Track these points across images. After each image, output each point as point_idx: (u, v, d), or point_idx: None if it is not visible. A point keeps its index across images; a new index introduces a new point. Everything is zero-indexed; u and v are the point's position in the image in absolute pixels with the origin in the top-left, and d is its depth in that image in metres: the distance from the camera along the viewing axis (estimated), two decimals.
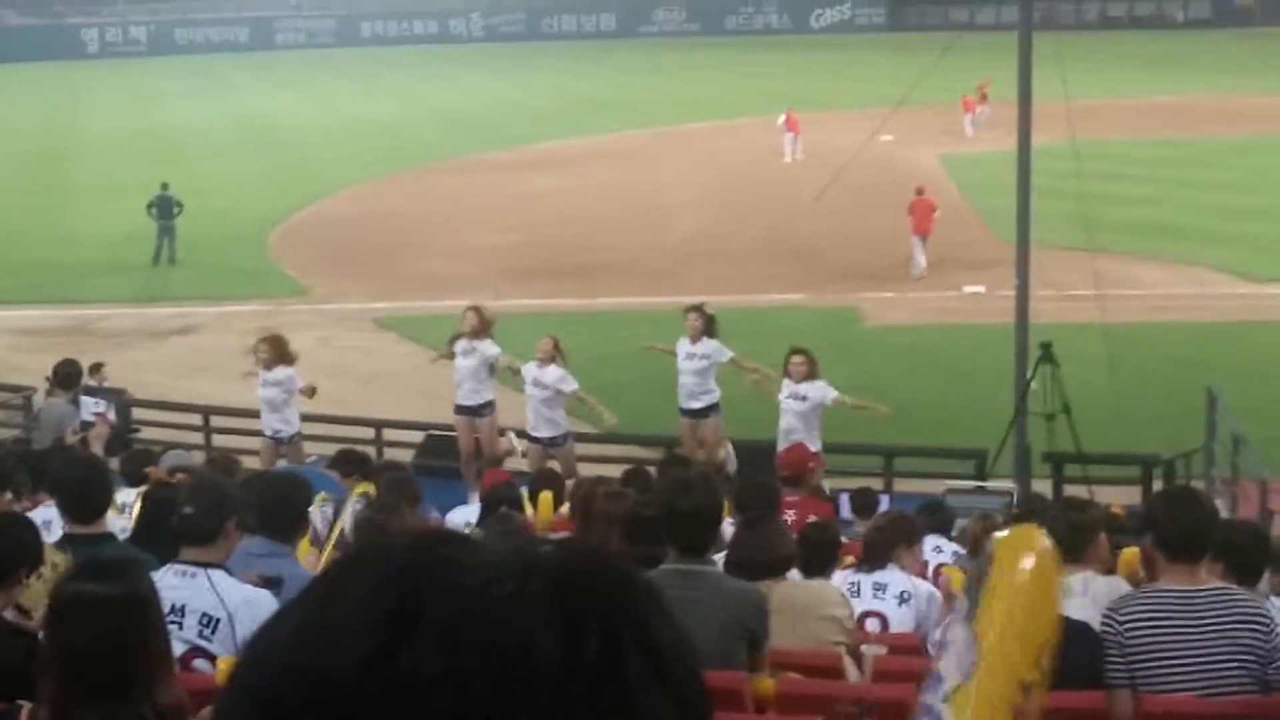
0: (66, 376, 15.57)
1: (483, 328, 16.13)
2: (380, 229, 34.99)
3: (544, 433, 15.99)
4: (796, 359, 15.58)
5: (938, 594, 8.33)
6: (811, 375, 15.45)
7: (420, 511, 8.39)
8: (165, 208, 32.20)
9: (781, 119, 43.59)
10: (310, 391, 15.86)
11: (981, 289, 26.95)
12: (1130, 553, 8.23)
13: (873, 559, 8.21)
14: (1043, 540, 1.83)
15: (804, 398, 15.32)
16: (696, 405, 16.46)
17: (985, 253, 28.94)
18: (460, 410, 16.45)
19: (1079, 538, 6.85)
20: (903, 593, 8.08)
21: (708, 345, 16.27)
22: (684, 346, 16.40)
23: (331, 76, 70.83)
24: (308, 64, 77.01)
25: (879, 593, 8.04)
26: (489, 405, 16.43)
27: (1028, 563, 1.82)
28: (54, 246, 33.32)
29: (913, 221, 29.19)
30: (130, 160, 44.51)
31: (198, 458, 12.66)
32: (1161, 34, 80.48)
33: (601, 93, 62.23)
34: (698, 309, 16.49)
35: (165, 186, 32.62)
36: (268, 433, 16.15)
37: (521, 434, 16.31)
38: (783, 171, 40.68)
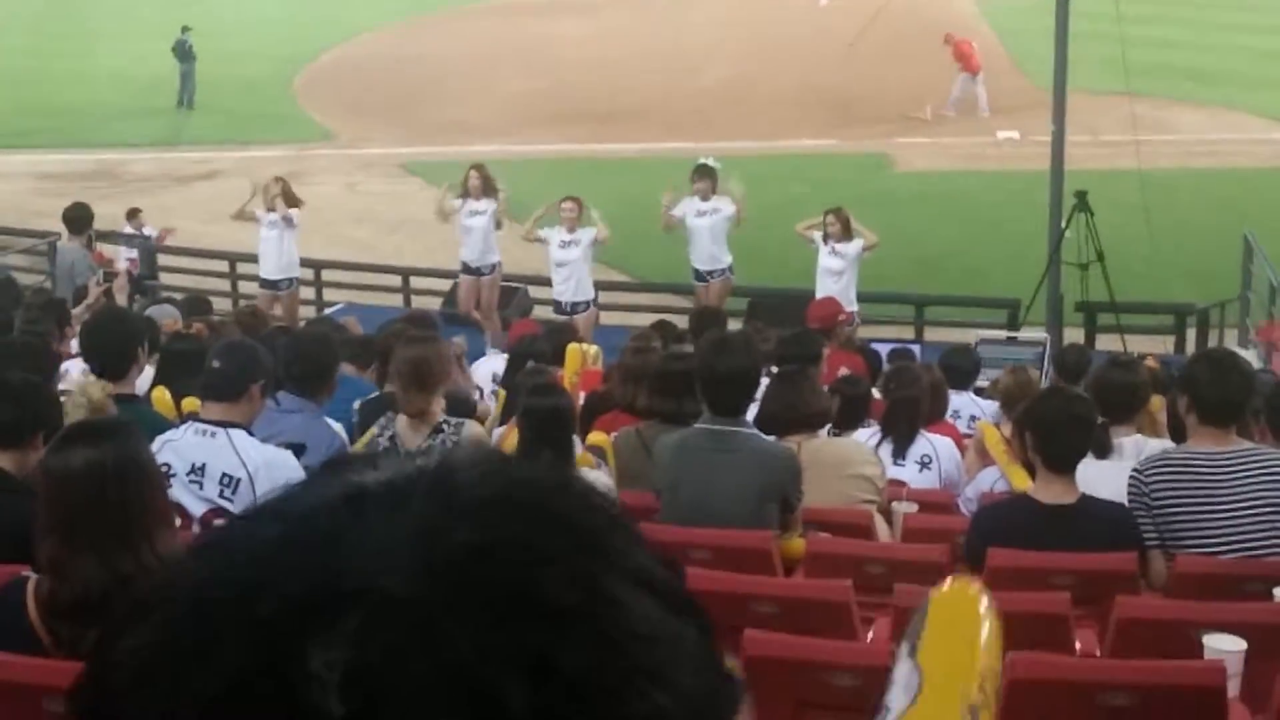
0: (76, 220, 15.28)
1: (488, 187, 15.76)
2: (405, 73, 34.54)
3: (573, 297, 15.58)
4: (829, 218, 15.13)
5: (957, 454, 8.10)
6: (846, 234, 14.96)
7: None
8: (184, 51, 31.90)
9: None
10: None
11: (1015, 134, 26.57)
12: (1155, 400, 8.10)
13: (899, 431, 7.87)
14: (980, 598, 1.78)
15: (840, 255, 14.92)
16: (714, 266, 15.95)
17: (1019, 98, 28.48)
18: (468, 270, 16.16)
19: (1130, 399, 6.73)
20: (923, 456, 7.79)
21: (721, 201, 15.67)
22: (694, 204, 15.76)
23: None
24: None
25: (898, 459, 7.79)
26: (498, 265, 16.16)
27: (964, 621, 1.79)
28: (75, 89, 33.01)
29: (962, 63, 28.83)
30: (152, 2, 43.90)
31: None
32: None
33: None
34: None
35: (185, 30, 32.24)
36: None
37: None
38: (816, 16, 39.90)
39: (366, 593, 0.71)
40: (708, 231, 15.71)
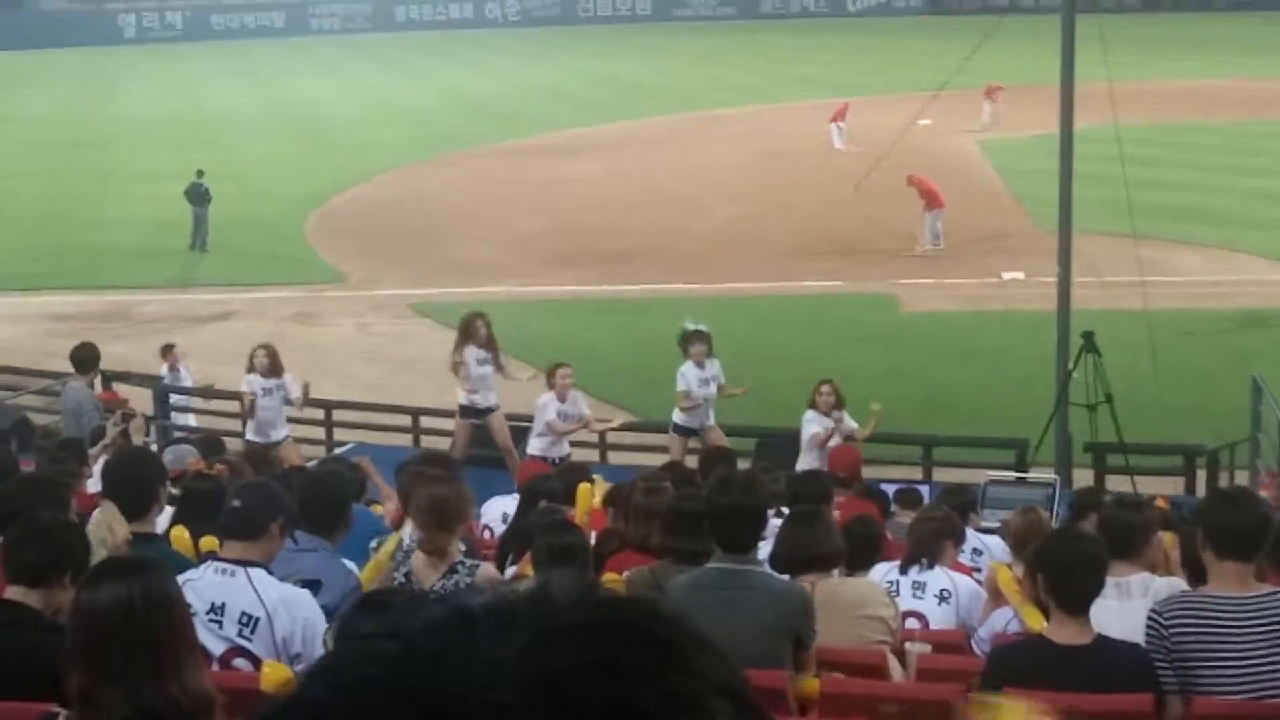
0: (83, 360, 15.53)
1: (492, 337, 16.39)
2: (415, 215, 34.97)
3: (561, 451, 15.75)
4: (825, 389, 15.05)
5: (979, 589, 8.17)
6: (841, 404, 14.99)
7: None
8: (197, 195, 32.29)
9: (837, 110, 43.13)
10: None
11: (1020, 275, 26.76)
12: (1168, 537, 8.13)
13: (916, 559, 8.05)
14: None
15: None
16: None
17: (1024, 239, 28.77)
18: (470, 413, 16.52)
19: (1135, 539, 6.75)
20: (942, 590, 7.91)
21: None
22: (696, 372, 15.96)
23: (367, 62, 70.82)
24: (343, 49, 77.05)
25: (918, 591, 7.85)
26: (497, 405, 16.65)
27: None
28: (91, 231, 33.40)
29: (928, 200, 29.16)
30: (167, 145, 44.61)
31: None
32: (1203, 16, 79.81)
33: (636, 77, 62.03)
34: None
35: (200, 174, 32.69)
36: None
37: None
38: (820, 157, 40.42)
39: (482, 705, 0.79)
40: (711, 397, 15.97)
